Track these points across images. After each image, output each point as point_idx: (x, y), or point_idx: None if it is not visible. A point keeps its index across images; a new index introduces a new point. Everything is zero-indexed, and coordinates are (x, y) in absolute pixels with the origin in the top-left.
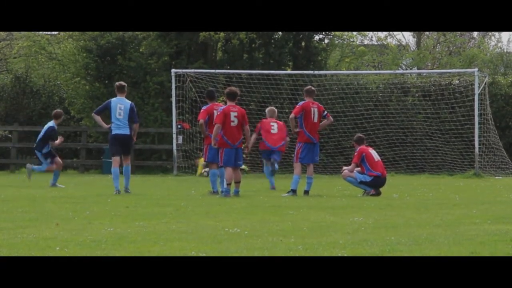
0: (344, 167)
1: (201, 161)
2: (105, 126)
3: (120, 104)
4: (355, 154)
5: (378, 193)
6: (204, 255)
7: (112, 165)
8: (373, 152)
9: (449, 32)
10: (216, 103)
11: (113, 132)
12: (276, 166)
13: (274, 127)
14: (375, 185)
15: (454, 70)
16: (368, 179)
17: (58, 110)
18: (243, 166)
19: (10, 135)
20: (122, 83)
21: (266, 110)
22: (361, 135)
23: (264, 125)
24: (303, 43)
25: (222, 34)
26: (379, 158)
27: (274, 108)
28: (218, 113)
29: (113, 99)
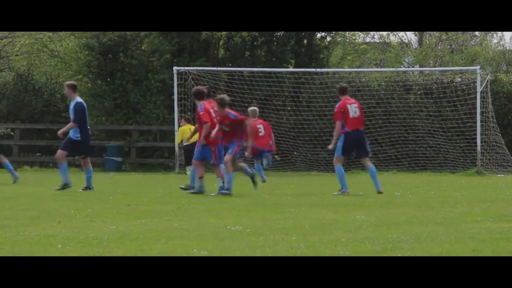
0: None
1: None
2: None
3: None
4: (336, 110)
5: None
6: (206, 253)
7: (61, 161)
8: (351, 108)
9: None
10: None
11: (88, 138)
12: (268, 161)
13: (261, 128)
14: (349, 143)
15: (456, 68)
16: (341, 144)
17: None
18: None
19: (12, 133)
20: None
21: (249, 111)
22: (344, 84)
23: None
24: (305, 41)
25: (224, 32)
26: (356, 114)
27: (256, 108)
28: (202, 112)
29: (82, 101)
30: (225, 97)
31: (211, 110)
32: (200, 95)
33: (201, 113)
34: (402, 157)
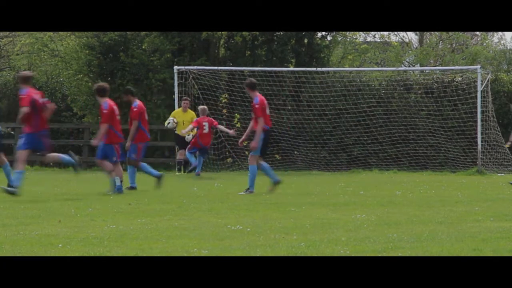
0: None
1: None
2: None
3: None
4: (257, 106)
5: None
6: (206, 252)
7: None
8: (267, 104)
9: None
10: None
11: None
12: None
13: (206, 126)
14: (267, 141)
15: (456, 67)
16: (260, 143)
17: None
18: None
19: (12, 132)
20: None
21: (199, 109)
22: (253, 79)
23: (200, 124)
24: (305, 40)
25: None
26: (268, 112)
27: (205, 107)
28: (105, 111)
29: None
30: (27, 73)
31: (115, 108)
32: (102, 92)
33: (105, 111)
34: (403, 156)
